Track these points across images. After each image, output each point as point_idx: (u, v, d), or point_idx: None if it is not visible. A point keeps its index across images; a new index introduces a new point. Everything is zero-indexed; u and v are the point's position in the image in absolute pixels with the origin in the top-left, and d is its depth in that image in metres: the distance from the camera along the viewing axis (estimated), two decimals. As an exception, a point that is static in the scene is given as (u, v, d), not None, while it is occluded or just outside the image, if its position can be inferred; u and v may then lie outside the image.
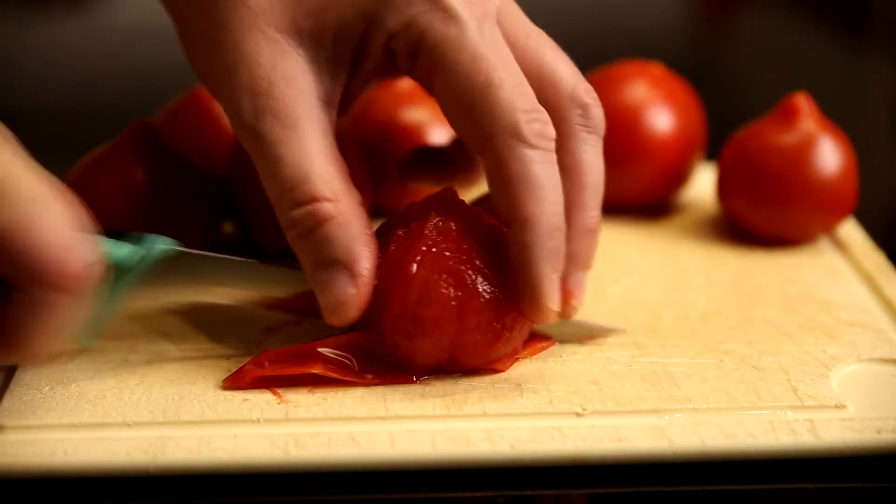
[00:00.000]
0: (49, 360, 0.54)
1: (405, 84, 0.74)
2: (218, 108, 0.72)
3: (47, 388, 0.54)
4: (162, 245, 0.53)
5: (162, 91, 0.76)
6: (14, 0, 1.34)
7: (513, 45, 0.56)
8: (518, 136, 0.52)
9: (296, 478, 0.50)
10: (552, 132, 0.53)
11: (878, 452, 0.51)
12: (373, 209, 0.71)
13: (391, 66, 0.57)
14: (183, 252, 0.54)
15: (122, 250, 0.52)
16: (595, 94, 0.57)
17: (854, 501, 0.52)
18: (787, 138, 0.68)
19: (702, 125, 0.75)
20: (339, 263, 0.53)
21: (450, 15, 0.54)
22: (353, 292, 0.53)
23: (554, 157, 0.54)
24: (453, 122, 0.55)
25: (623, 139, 0.71)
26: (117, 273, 0.52)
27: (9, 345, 0.49)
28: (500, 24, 0.56)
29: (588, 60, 0.62)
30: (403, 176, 0.65)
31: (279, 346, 0.56)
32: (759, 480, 0.51)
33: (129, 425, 0.51)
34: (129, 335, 0.59)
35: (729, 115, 0.83)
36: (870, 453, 0.51)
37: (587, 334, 0.58)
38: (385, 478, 0.50)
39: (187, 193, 0.64)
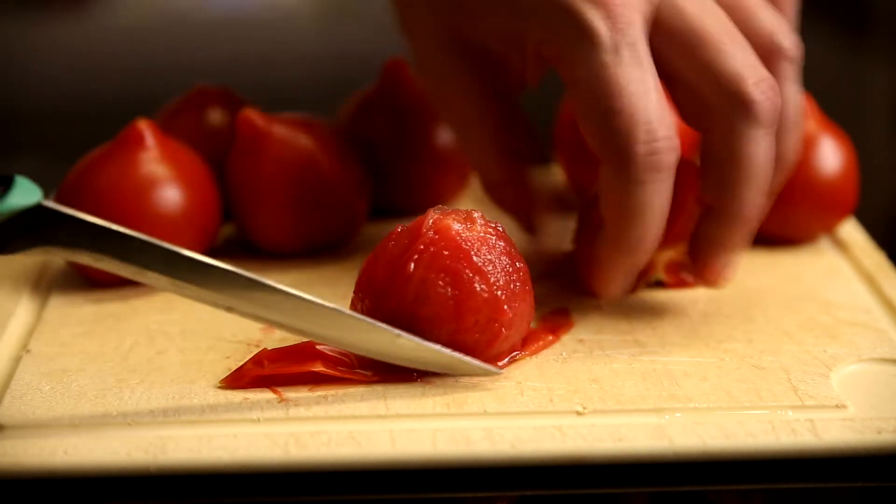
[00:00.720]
0: None
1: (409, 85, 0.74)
2: (219, 107, 0.72)
3: (47, 387, 0.54)
4: (21, 195, 0.50)
5: (162, 91, 0.76)
6: (14, 0, 1.34)
7: (671, 40, 0.56)
8: (625, 171, 0.54)
9: (296, 477, 0.50)
10: (668, 161, 0.54)
11: (879, 452, 0.51)
12: (373, 209, 0.71)
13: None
14: (43, 206, 0.50)
15: None
16: (768, 85, 0.55)
17: (854, 501, 0.52)
18: (788, 138, 0.68)
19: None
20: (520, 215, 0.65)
21: (587, 33, 0.54)
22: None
23: (666, 182, 0.55)
24: (581, 131, 0.56)
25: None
26: None
27: None
28: (660, 22, 0.55)
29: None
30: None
31: (278, 345, 0.56)
32: (760, 480, 0.50)
33: (129, 425, 0.51)
34: (129, 334, 0.59)
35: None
36: (870, 453, 0.51)
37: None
38: (385, 477, 0.50)
39: (188, 192, 0.64)
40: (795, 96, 0.59)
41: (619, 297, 0.60)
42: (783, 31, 0.58)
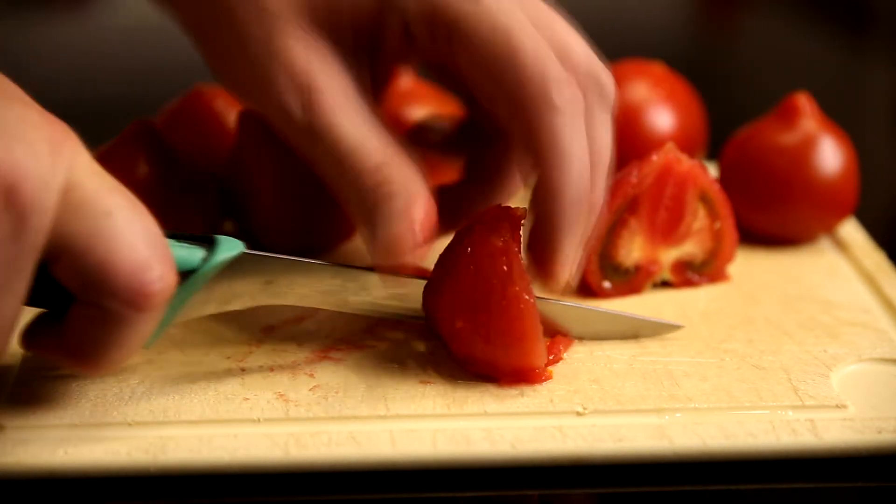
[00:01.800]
0: (114, 370, 0.53)
1: (406, 83, 0.74)
2: (217, 107, 0.72)
3: (48, 387, 0.54)
4: (228, 249, 0.52)
5: (162, 91, 0.76)
6: (14, 0, 1.34)
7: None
8: (548, 103, 0.52)
9: (296, 477, 0.50)
10: (581, 97, 0.53)
11: (879, 452, 0.51)
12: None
13: (412, 50, 0.57)
14: (248, 254, 0.52)
15: (192, 255, 0.51)
16: (608, 71, 0.56)
17: (855, 501, 0.52)
18: (788, 138, 0.68)
19: (702, 124, 0.75)
20: (401, 213, 0.53)
21: None
22: (409, 236, 0.53)
23: (583, 123, 0.53)
24: (482, 95, 0.55)
25: (624, 138, 0.71)
26: (184, 277, 0.50)
27: (76, 356, 0.48)
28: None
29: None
30: (412, 141, 0.64)
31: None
32: (760, 480, 0.51)
33: (129, 425, 0.51)
34: (130, 335, 0.59)
35: (730, 114, 0.83)
36: (870, 453, 0.51)
37: (652, 331, 0.58)
38: (385, 477, 0.50)
39: (188, 192, 0.64)
40: (606, 135, 0.56)
41: (572, 278, 0.55)
42: (601, 66, 0.56)
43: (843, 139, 0.68)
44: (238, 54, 0.57)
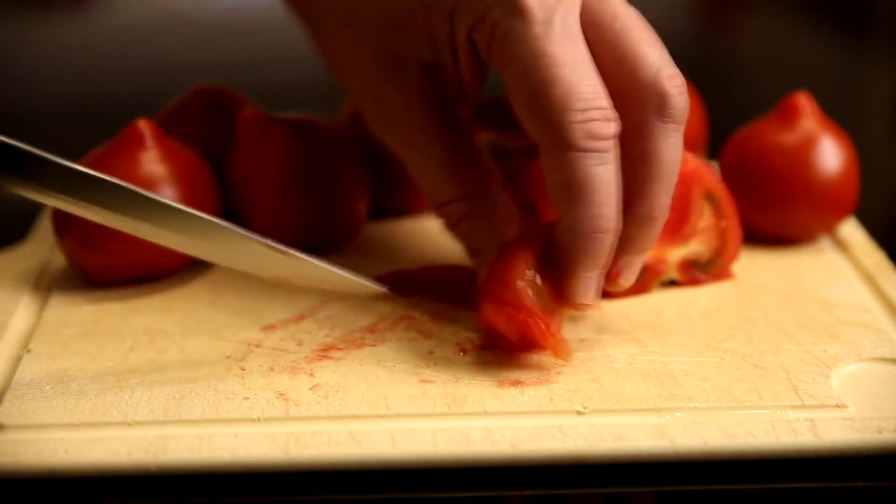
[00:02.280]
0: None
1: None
2: (217, 107, 0.72)
3: (48, 387, 0.54)
4: None
5: (162, 91, 0.76)
6: (14, 0, 1.34)
7: (597, 28, 0.55)
8: (565, 142, 0.53)
9: (296, 477, 0.50)
10: (608, 130, 0.53)
11: (879, 452, 0.51)
12: (373, 209, 0.71)
13: (480, 60, 0.58)
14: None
15: None
16: (681, 81, 0.55)
17: (855, 501, 0.52)
18: (788, 138, 0.68)
19: (703, 124, 0.75)
20: (477, 250, 0.60)
21: (518, 8, 0.53)
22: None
23: (609, 156, 0.53)
24: (519, 117, 0.55)
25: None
26: None
27: None
28: (587, 6, 0.55)
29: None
30: (476, 120, 0.66)
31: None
32: (760, 480, 0.51)
33: (129, 424, 0.51)
34: (130, 334, 0.59)
35: (730, 114, 0.83)
36: (871, 453, 0.51)
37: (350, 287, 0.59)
38: (385, 477, 0.50)
39: (188, 191, 0.64)
40: (670, 150, 0.55)
41: (597, 301, 0.56)
42: (670, 76, 0.55)
43: (844, 139, 0.68)
44: (333, 59, 0.63)
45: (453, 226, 0.60)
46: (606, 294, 0.61)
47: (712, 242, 0.64)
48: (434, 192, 0.60)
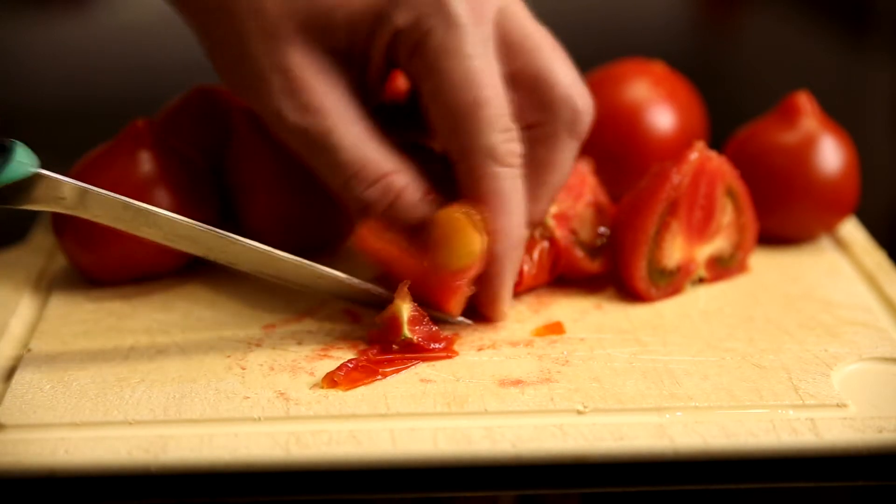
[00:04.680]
0: None
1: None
2: (216, 106, 0.72)
3: (48, 386, 0.54)
4: (20, 167, 0.52)
5: (162, 91, 0.76)
6: (14, 0, 1.34)
7: (510, 45, 0.58)
8: (494, 157, 0.56)
9: (297, 476, 0.50)
10: (520, 149, 0.57)
11: (880, 451, 0.51)
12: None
13: (392, 66, 0.58)
14: (41, 175, 0.53)
15: None
16: (589, 100, 0.59)
17: (855, 500, 0.52)
18: (789, 137, 0.68)
19: (703, 124, 0.75)
20: (413, 212, 0.58)
21: (453, 22, 0.55)
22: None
23: (521, 171, 0.57)
24: (436, 126, 0.57)
25: (624, 137, 0.71)
26: None
27: None
28: (500, 24, 0.58)
29: (589, 59, 0.62)
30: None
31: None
32: (761, 479, 0.50)
33: (130, 424, 0.51)
34: (130, 333, 0.59)
35: (730, 113, 0.83)
36: (871, 452, 0.51)
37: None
38: (386, 476, 0.50)
39: (187, 191, 0.64)
40: (568, 162, 0.60)
41: (507, 312, 0.59)
42: (580, 93, 0.59)
43: (844, 138, 0.68)
44: (238, 56, 0.58)
45: (391, 203, 0.58)
46: (638, 297, 0.61)
47: (733, 237, 0.64)
48: (364, 170, 0.57)
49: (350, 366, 0.55)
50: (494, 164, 0.56)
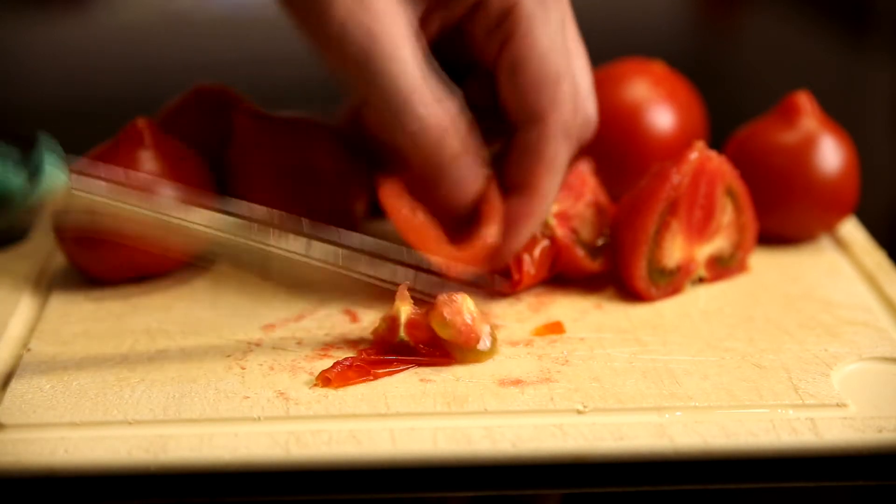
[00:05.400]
0: None
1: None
2: (217, 106, 0.72)
3: (48, 386, 0.54)
4: (52, 180, 0.52)
5: (162, 91, 0.76)
6: (14, 0, 1.34)
7: None
8: (566, 131, 0.59)
9: (297, 476, 0.50)
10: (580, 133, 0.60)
11: (880, 451, 0.51)
12: (371, 209, 0.71)
13: (466, 28, 0.60)
14: (72, 188, 0.53)
15: (9, 180, 0.51)
16: (596, 113, 0.62)
17: (855, 500, 0.52)
18: (789, 137, 0.68)
19: (703, 123, 0.75)
20: (462, 155, 0.59)
21: (548, 2, 0.58)
22: (476, 177, 0.60)
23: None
24: (510, 85, 0.59)
25: (624, 137, 0.71)
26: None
27: None
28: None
29: (589, 59, 0.62)
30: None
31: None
32: (760, 479, 0.50)
33: (129, 423, 0.51)
34: (130, 333, 0.59)
35: (730, 113, 0.83)
36: (871, 452, 0.51)
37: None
38: (386, 476, 0.50)
39: (186, 191, 0.64)
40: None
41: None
42: (594, 109, 0.62)
43: (844, 138, 0.68)
44: None
45: (444, 131, 0.57)
46: (638, 297, 0.61)
47: (733, 237, 0.64)
48: (420, 91, 0.57)
49: (345, 364, 0.55)
50: (563, 138, 0.59)
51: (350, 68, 0.57)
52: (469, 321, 0.56)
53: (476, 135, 0.59)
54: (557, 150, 0.59)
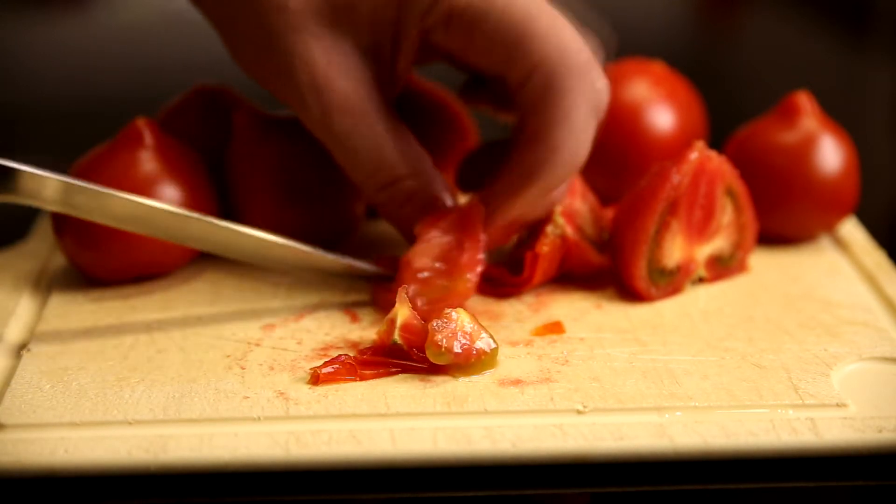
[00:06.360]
0: None
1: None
2: (217, 106, 0.72)
3: (48, 386, 0.54)
4: None
5: (162, 91, 0.76)
6: (14, 0, 1.34)
7: None
8: (566, 60, 0.57)
9: (297, 476, 0.50)
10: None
11: (880, 451, 0.51)
12: (370, 208, 0.71)
13: (427, 47, 0.59)
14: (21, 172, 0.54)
15: None
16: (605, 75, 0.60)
17: (855, 500, 0.52)
18: (789, 137, 0.68)
19: (703, 123, 0.75)
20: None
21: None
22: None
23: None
24: (498, 63, 0.57)
25: (624, 137, 0.71)
26: None
27: None
28: None
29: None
30: (463, 96, 0.68)
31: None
32: (760, 479, 0.50)
33: (129, 423, 0.51)
34: (130, 333, 0.59)
35: (730, 113, 0.83)
36: (871, 452, 0.51)
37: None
38: (386, 476, 0.50)
39: (187, 190, 0.64)
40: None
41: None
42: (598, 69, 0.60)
43: (844, 138, 0.68)
44: (263, 49, 0.59)
45: (399, 207, 0.61)
46: (638, 297, 0.61)
47: (733, 237, 0.64)
48: (378, 173, 0.60)
49: (336, 363, 0.54)
50: (568, 70, 0.57)
51: (316, 135, 0.60)
52: (466, 341, 0.55)
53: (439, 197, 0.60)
54: (561, 92, 0.57)
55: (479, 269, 0.59)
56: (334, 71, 0.58)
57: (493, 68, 0.58)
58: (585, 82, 0.57)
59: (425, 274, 0.59)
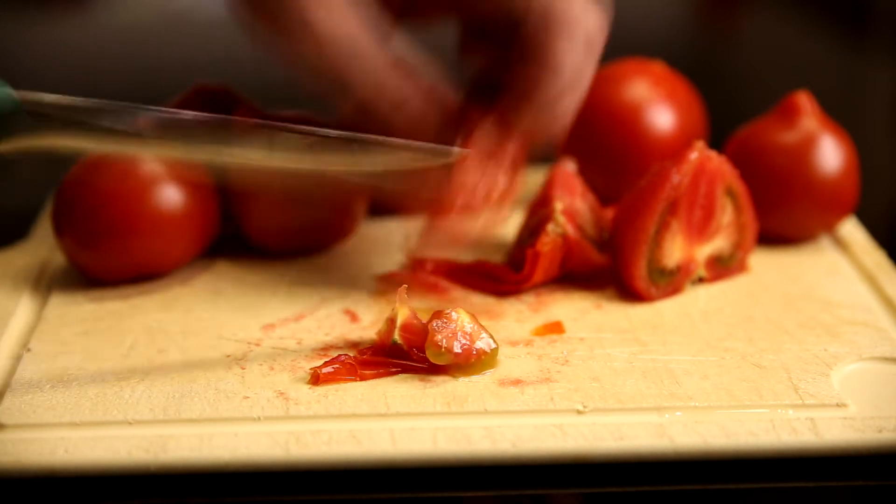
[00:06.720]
0: None
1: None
2: (217, 106, 0.72)
3: (48, 386, 0.54)
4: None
5: (162, 91, 0.76)
6: (14, 0, 1.34)
7: None
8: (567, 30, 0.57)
9: (297, 476, 0.50)
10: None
11: (880, 451, 0.51)
12: (370, 208, 0.71)
13: None
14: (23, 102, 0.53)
15: None
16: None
17: (855, 500, 0.52)
18: (789, 137, 0.68)
19: (703, 123, 0.75)
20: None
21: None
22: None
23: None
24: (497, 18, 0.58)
25: (624, 137, 0.71)
26: None
27: None
28: None
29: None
30: (460, 49, 0.66)
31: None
32: (760, 479, 0.50)
33: (129, 423, 0.51)
34: (130, 333, 0.59)
35: (730, 113, 0.83)
36: (871, 452, 0.51)
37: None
38: (386, 476, 0.50)
39: (188, 190, 0.64)
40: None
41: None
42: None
43: (844, 138, 0.68)
44: None
45: (414, 123, 0.59)
46: (638, 297, 0.61)
47: (733, 237, 0.64)
48: (386, 85, 0.58)
49: (337, 362, 0.54)
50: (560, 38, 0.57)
51: (322, 62, 0.59)
52: (466, 341, 0.55)
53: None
54: (568, 48, 0.57)
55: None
56: (323, 12, 0.57)
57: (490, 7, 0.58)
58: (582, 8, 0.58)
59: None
